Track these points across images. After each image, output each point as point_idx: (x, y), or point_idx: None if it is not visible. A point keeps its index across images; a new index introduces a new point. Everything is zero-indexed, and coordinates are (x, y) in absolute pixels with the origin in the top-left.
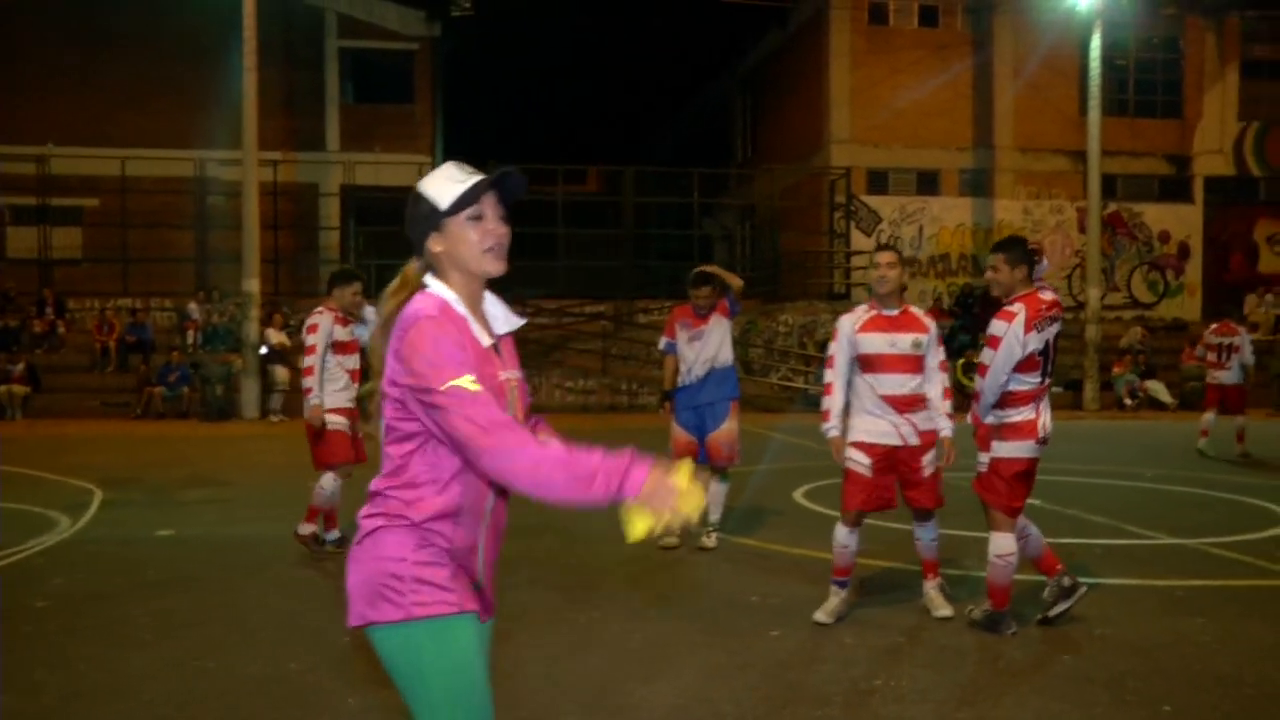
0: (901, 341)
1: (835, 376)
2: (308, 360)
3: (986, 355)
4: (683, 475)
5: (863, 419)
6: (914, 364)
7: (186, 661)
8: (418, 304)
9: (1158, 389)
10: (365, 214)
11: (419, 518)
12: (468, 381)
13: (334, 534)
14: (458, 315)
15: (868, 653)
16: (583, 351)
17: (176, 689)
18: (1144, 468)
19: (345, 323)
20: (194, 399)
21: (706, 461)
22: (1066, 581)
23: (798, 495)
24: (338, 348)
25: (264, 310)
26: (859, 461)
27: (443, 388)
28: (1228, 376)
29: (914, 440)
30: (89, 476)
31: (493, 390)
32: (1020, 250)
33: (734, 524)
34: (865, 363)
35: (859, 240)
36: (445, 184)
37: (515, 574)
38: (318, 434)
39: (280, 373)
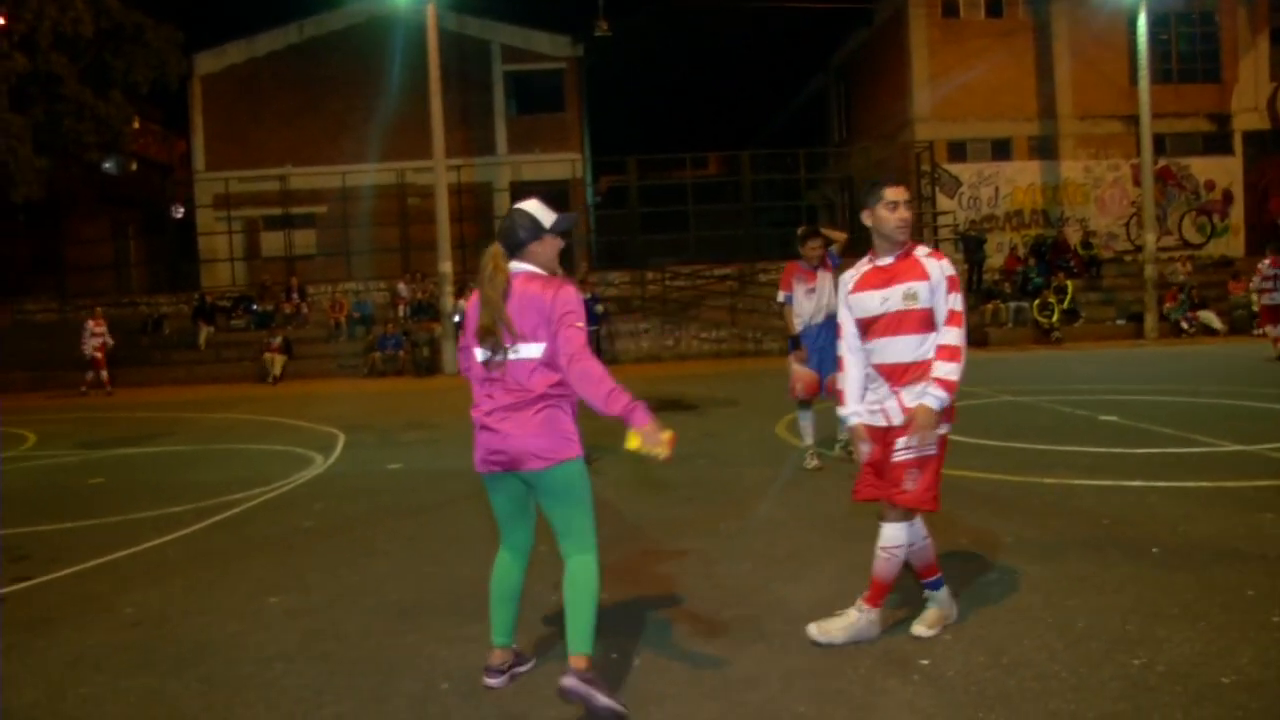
0: (893, 296)
1: (846, 349)
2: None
3: None
4: (667, 433)
5: (866, 395)
6: (912, 322)
7: (417, 568)
8: (551, 281)
9: (1209, 317)
10: None
11: (573, 401)
12: (581, 323)
13: None
14: None
15: (982, 550)
16: (714, 307)
17: (411, 589)
18: (1201, 385)
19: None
20: (406, 360)
21: (827, 396)
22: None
23: None
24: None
25: (456, 286)
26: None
27: (579, 322)
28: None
29: (898, 419)
30: (334, 423)
31: None
32: None
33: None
34: (861, 329)
35: (943, 203)
36: (544, 211)
37: (675, 492)
38: None
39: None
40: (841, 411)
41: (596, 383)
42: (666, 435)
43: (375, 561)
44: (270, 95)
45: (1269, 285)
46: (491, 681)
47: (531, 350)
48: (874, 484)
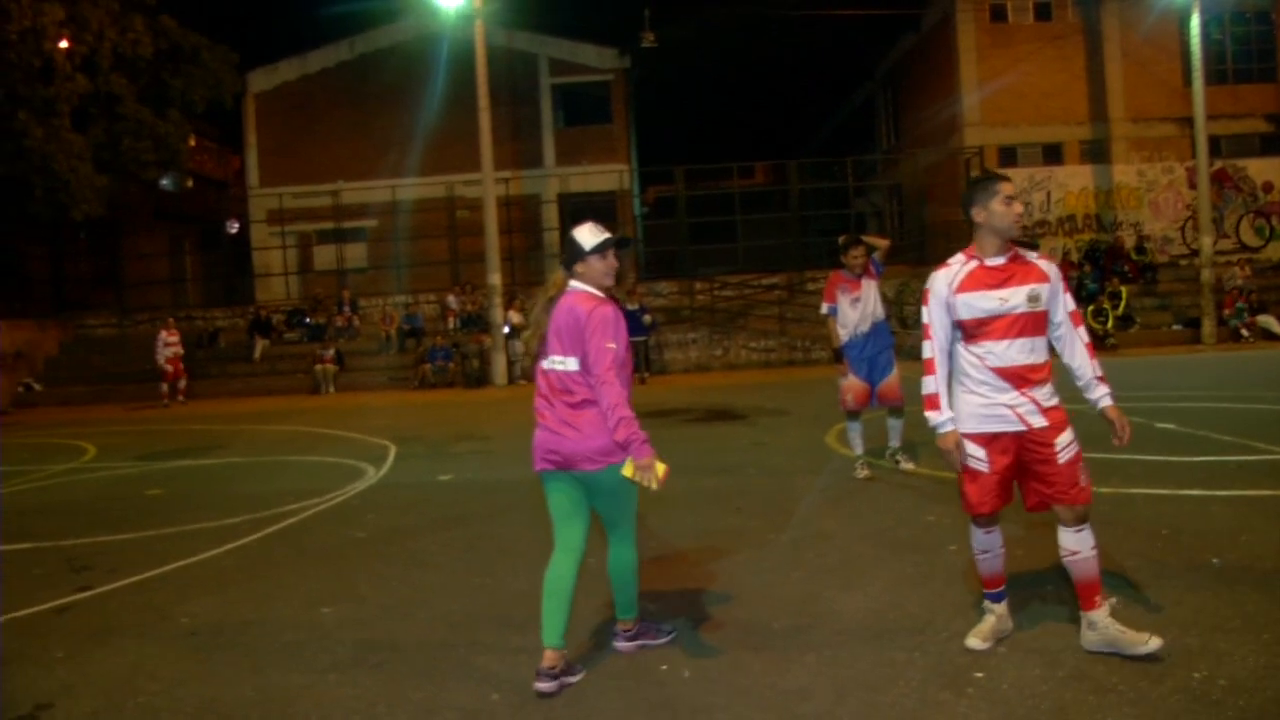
0: (1014, 297)
1: (938, 351)
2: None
3: None
4: (662, 467)
5: (967, 400)
6: (1035, 324)
7: (468, 579)
8: (591, 300)
9: (1268, 322)
10: (578, 215)
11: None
12: (611, 344)
13: None
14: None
15: (1039, 560)
16: (763, 317)
17: (462, 600)
18: (1262, 391)
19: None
20: (456, 372)
21: (878, 405)
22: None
23: None
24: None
25: (505, 298)
26: (975, 457)
27: (609, 344)
28: None
29: (1038, 421)
30: (385, 435)
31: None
32: None
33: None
34: (968, 330)
35: None
36: (588, 235)
37: (726, 504)
38: None
39: (521, 346)
40: (934, 418)
41: (612, 406)
42: (661, 470)
43: (427, 573)
44: (322, 111)
45: None
46: (542, 686)
47: (570, 362)
48: (1000, 493)
